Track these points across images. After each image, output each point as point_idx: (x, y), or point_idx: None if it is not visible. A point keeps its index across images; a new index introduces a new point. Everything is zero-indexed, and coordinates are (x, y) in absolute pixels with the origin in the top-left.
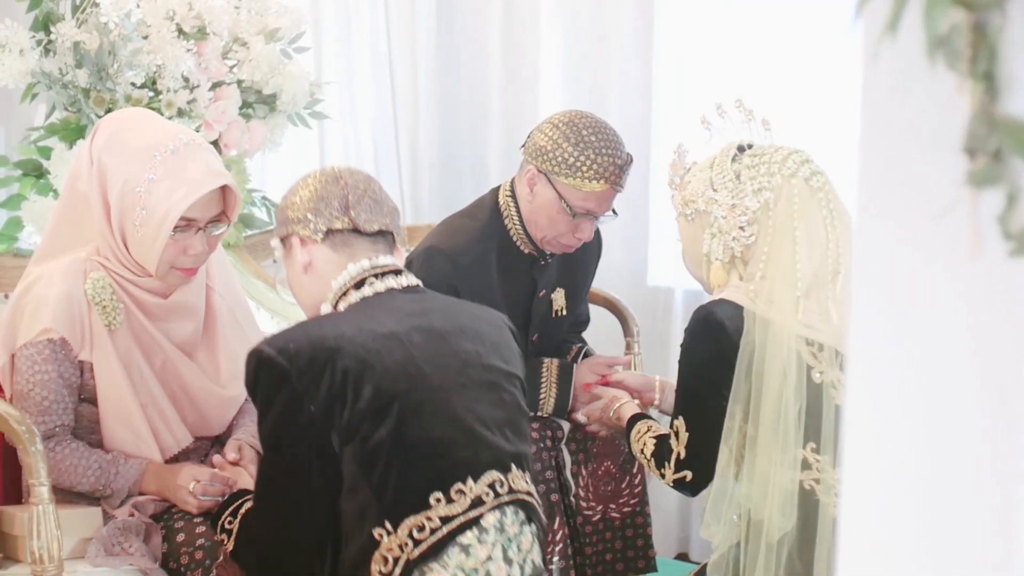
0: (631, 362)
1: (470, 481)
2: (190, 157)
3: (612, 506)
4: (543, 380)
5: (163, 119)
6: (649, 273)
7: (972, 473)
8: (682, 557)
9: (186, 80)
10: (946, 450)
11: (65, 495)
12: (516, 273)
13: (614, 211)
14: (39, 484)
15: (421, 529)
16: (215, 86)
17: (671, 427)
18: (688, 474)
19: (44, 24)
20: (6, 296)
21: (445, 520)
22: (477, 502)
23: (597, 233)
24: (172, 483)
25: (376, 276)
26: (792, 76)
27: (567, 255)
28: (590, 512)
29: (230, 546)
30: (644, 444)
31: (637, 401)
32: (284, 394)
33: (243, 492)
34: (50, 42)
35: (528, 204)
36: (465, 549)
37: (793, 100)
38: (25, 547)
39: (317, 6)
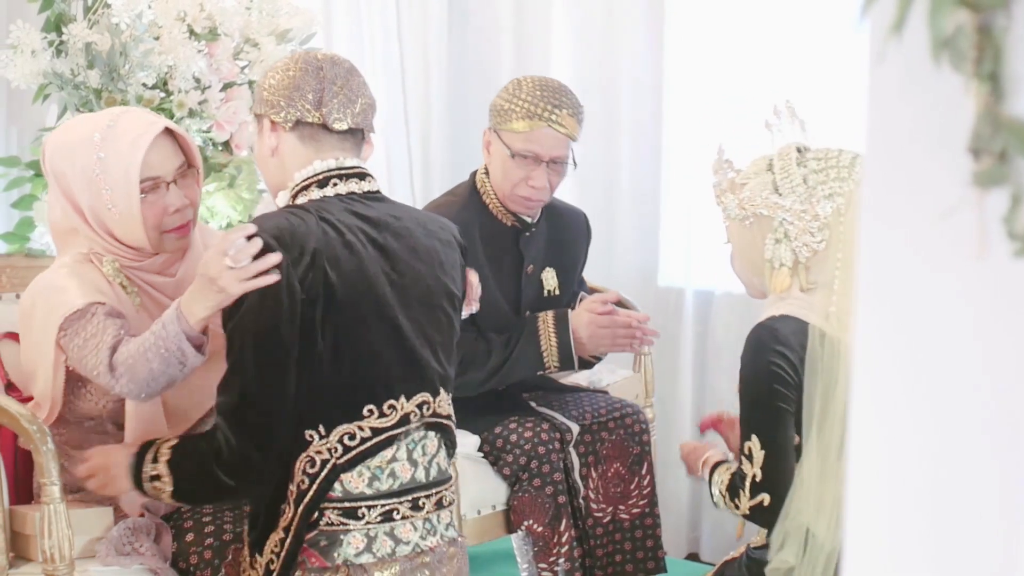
0: (617, 295)
1: (403, 399)
2: (125, 122)
3: (621, 507)
4: (540, 334)
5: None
6: (660, 273)
7: (977, 474)
8: (692, 557)
9: (197, 81)
10: (951, 451)
11: (76, 495)
12: (501, 246)
13: (575, 163)
14: (50, 483)
15: (352, 437)
16: (226, 87)
17: (742, 450)
18: (766, 498)
19: (56, 25)
20: (18, 296)
21: (375, 432)
22: (404, 419)
23: (584, 216)
24: (203, 278)
25: (339, 177)
26: (800, 75)
27: (553, 233)
28: (600, 514)
29: (169, 487)
30: (722, 482)
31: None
32: (283, 282)
33: (147, 445)
34: (62, 43)
35: (491, 167)
36: (387, 444)
37: (801, 99)
38: (37, 546)
39: (328, 7)
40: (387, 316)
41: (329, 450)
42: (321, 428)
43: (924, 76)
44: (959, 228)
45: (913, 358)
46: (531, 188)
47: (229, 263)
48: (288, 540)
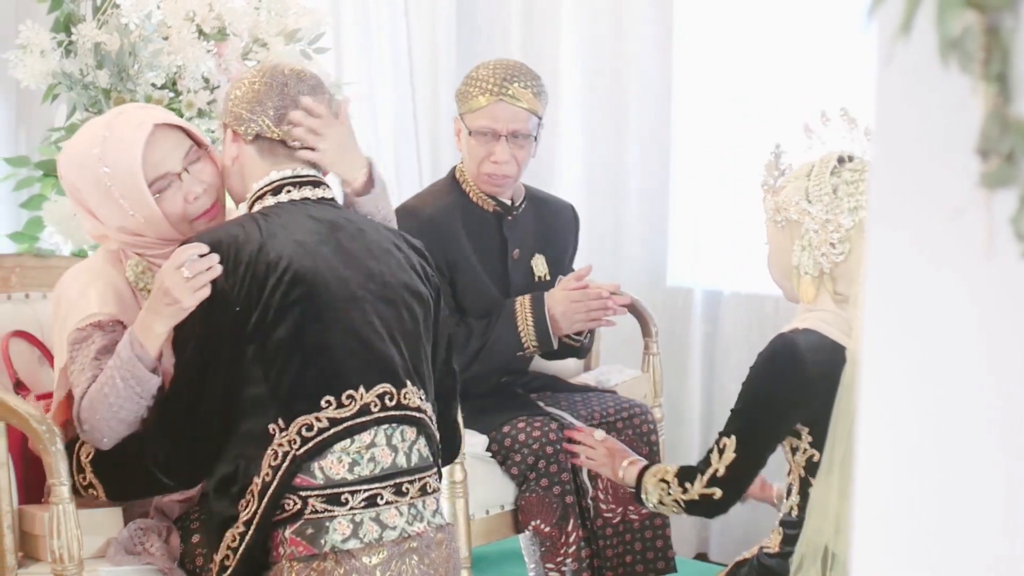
0: (590, 269)
1: (361, 389)
2: (118, 129)
3: (631, 508)
4: (517, 316)
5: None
6: (668, 273)
7: (984, 475)
8: (701, 557)
9: (206, 81)
10: (958, 451)
11: (86, 496)
12: (484, 231)
13: (535, 138)
14: (59, 484)
15: (310, 428)
16: None
17: (718, 444)
18: (718, 492)
19: (65, 25)
20: (27, 296)
21: (333, 422)
22: (364, 410)
23: (571, 208)
24: (158, 291)
25: (293, 185)
26: (809, 76)
27: (539, 221)
28: (610, 514)
29: (104, 494)
30: (664, 474)
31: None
32: (216, 297)
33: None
34: (71, 43)
35: (463, 155)
36: (348, 433)
37: (810, 100)
38: (46, 546)
39: (337, 7)
40: (341, 311)
41: (289, 442)
42: (280, 421)
43: (932, 77)
44: (967, 229)
45: (920, 358)
46: (494, 164)
47: (186, 273)
48: (249, 534)
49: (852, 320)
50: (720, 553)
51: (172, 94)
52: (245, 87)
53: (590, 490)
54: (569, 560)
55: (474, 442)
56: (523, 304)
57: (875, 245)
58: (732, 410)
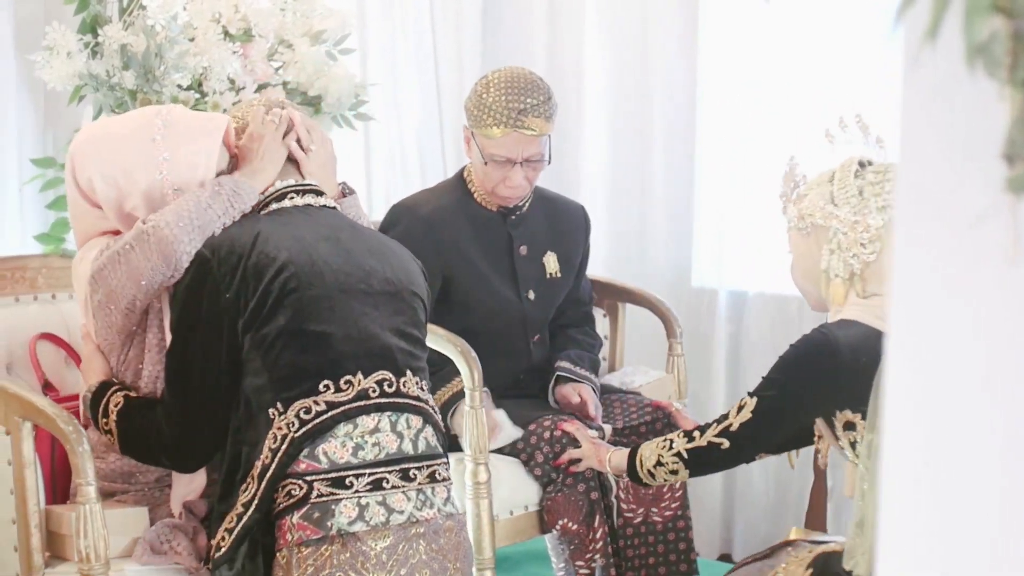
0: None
1: (359, 375)
2: (180, 121)
3: (654, 510)
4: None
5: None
6: (693, 274)
7: (1010, 479)
8: (725, 558)
9: (232, 82)
10: (983, 455)
11: (113, 498)
12: (488, 227)
13: (549, 158)
14: (86, 484)
15: (308, 411)
16: (261, 88)
17: (740, 401)
18: (725, 443)
19: (91, 27)
20: (54, 296)
21: (331, 406)
22: (362, 395)
23: (582, 209)
24: (256, 150)
25: (297, 192)
26: (833, 79)
27: (550, 221)
28: (631, 515)
29: (117, 445)
30: (667, 438)
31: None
32: (207, 283)
33: (104, 387)
34: (97, 44)
35: (472, 162)
36: (352, 420)
37: (835, 101)
38: (73, 546)
39: (363, 8)
40: (339, 301)
41: (287, 425)
42: (279, 405)
43: (958, 82)
44: (992, 234)
45: (947, 363)
46: (509, 188)
47: (274, 120)
48: (247, 515)
49: (884, 313)
50: (743, 554)
51: (198, 95)
52: (245, 108)
53: (613, 488)
54: (598, 556)
55: (512, 433)
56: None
57: (900, 250)
58: (764, 376)
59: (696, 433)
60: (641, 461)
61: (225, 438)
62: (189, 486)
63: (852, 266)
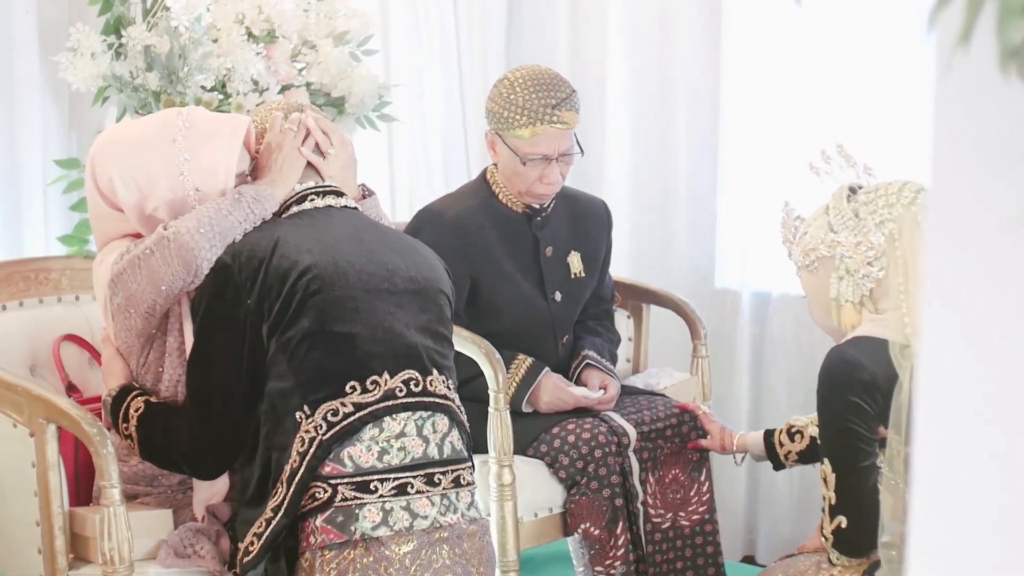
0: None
1: (386, 375)
2: (201, 122)
3: (681, 513)
4: (510, 374)
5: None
6: (717, 275)
7: None
8: (749, 560)
9: (255, 83)
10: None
11: (136, 500)
12: (515, 231)
13: (580, 149)
14: (110, 486)
15: (335, 413)
16: (284, 89)
17: (821, 475)
18: (842, 520)
19: (115, 28)
20: (77, 298)
21: (358, 407)
22: (389, 395)
23: (604, 205)
24: (276, 159)
25: (317, 194)
26: (862, 82)
27: (572, 220)
28: (659, 520)
29: (137, 450)
30: (802, 442)
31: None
32: (228, 289)
33: (125, 391)
34: (121, 46)
35: (499, 165)
36: (378, 424)
37: (862, 107)
38: (97, 548)
39: (386, 9)
40: (364, 301)
41: (315, 428)
42: (306, 408)
43: (991, 87)
44: None
45: (980, 369)
46: (546, 185)
47: (292, 127)
48: (276, 520)
49: (897, 326)
50: (767, 556)
51: (221, 96)
52: (263, 112)
53: (640, 495)
54: (618, 563)
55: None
56: (523, 362)
57: (933, 255)
58: (819, 436)
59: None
60: (779, 439)
61: (244, 445)
62: (211, 489)
63: (863, 287)
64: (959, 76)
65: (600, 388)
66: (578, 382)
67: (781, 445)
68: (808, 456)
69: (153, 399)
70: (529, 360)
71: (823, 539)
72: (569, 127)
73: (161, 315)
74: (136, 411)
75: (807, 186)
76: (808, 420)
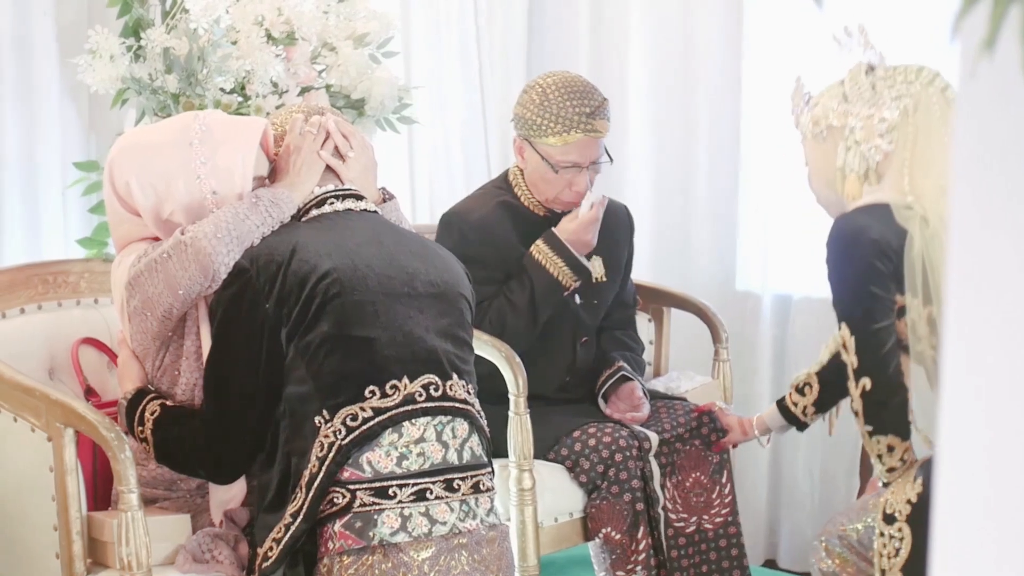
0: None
1: (405, 379)
2: (217, 127)
3: (705, 517)
4: (544, 264)
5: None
6: (737, 278)
7: None
8: (770, 564)
9: (275, 85)
10: None
11: (155, 504)
12: (536, 232)
13: (609, 157)
14: (128, 491)
15: (355, 418)
16: (304, 91)
17: (840, 341)
18: (867, 382)
19: (134, 30)
20: (96, 301)
21: (378, 411)
22: (409, 399)
23: (626, 209)
24: (295, 163)
25: (336, 197)
26: None
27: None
28: (682, 524)
29: (152, 454)
30: (813, 392)
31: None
32: (246, 293)
33: (140, 395)
34: (140, 48)
35: (526, 171)
36: (398, 429)
37: None
38: (114, 553)
39: (407, 11)
40: (383, 305)
41: (334, 432)
42: (325, 413)
43: (1015, 92)
44: None
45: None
46: (574, 193)
47: (313, 130)
48: (295, 525)
49: (897, 196)
50: (789, 559)
51: (241, 98)
52: (284, 115)
53: (661, 500)
54: (639, 568)
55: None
56: (538, 249)
57: (955, 260)
58: (833, 304)
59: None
60: (791, 399)
61: (261, 449)
62: (228, 493)
63: (869, 159)
64: (983, 82)
65: (635, 405)
66: (613, 393)
67: (795, 405)
68: (824, 402)
69: (169, 403)
70: (540, 243)
71: (854, 414)
72: (601, 135)
73: (178, 319)
74: (152, 415)
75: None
76: (807, 372)
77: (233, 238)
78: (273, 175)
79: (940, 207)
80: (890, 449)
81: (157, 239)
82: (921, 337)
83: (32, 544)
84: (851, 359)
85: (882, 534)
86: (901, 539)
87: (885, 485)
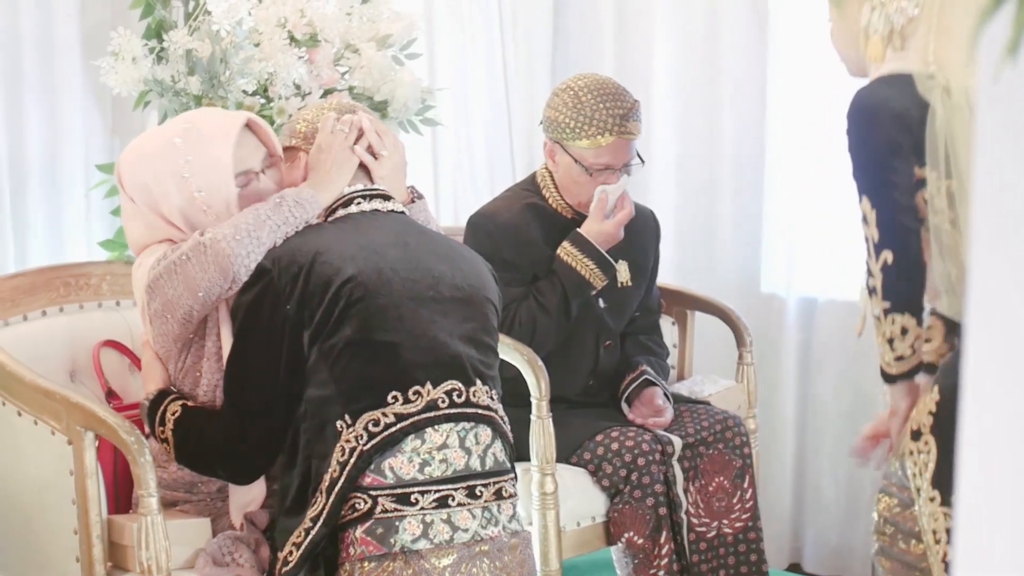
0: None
1: (428, 385)
2: (202, 123)
3: (725, 521)
4: (572, 265)
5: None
6: (762, 280)
7: None
8: (794, 568)
9: (298, 87)
10: None
11: (175, 507)
12: (564, 235)
13: (640, 158)
14: (148, 495)
15: (376, 423)
16: (327, 93)
17: (861, 215)
18: (888, 255)
19: (157, 32)
20: (118, 303)
21: (400, 417)
22: (431, 406)
23: (652, 214)
24: (326, 162)
25: (364, 197)
26: None
27: (623, 229)
28: (703, 529)
29: (173, 454)
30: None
31: None
32: (268, 294)
33: (162, 396)
34: (162, 50)
35: (556, 174)
36: (420, 435)
37: None
38: (134, 557)
39: (431, 12)
40: (408, 309)
41: (356, 437)
42: (347, 418)
43: None
44: None
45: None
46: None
47: (345, 129)
48: (315, 530)
49: (920, 63)
50: (814, 564)
51: (263, 100)
52: (313, 112)
53: (683, 504)
54: (662, 572)
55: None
56: (566, 250)
57: (977, 267)
58: (853, 178)
59: (869, 269)
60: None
61: (280, 450)
62: (248, 496)
63: (893, 21)
64: (1005, 87)
65: (656, 411)
66: (636, 398)
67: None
68: None
69: (190, 403)
70: (566, 244)
71: (870, 293)
72: (634, 137)
73: (199, 321)
74: (173, 415)
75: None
76: None
77: (253, 239)
78: (304, 172)
79: (963, 78)
80: (903, 332)
81: (173, 241)
82: (939, 211)
83: (52, 548)
84: (872, 232)
85: (911, 452)
86: (928, 451)
87: (889, 379)
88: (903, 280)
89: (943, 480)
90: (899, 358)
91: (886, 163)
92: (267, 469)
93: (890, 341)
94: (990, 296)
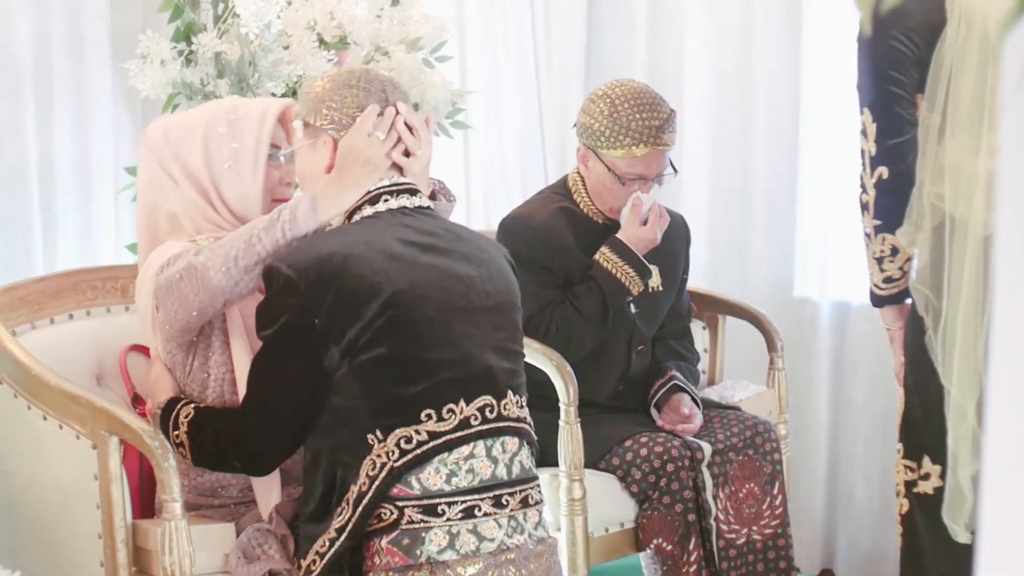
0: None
1: (462, 403)
2: (246, 103)
3: (754, 528)
4: (611, 270)
5: None
6: (795, 284)
7: None
8: (826, 573)
9: None
10: None
11: (198, 511)
12: (595, 239)
13: (674, 168)
14: (171, 500)
15: (408, 441)
16: None
17: (861, 127)
18: (883, 170)
19: (186, 35)
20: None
21: (433, 436)
22: (464, 423)
23: (682, 219)
24: (355, 163)
25: (391, 194)
26: None
27: None
28: (733, 536)
29: (188, 456)
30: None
31: None
32: (293, 304)
33: (172, 403)
34: (191, 52)
35: (589, 180)
36: (447, 447)
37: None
38: (159, 561)
39: (462, 14)
40: (442, 324)
41: (387, 453)
42: (379, 432)
43: None
44: None
45: None
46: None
47: (380, 136)
48: (339, 540)
49: None
50: (846, 569)
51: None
52: (344, 91)
53: (712, 511)
54: None
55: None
56: (605, 256)
57: (1001, 270)
58: (857, 88)
59: (863, 185)
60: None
61: (300, 444)
62: (270, 490)
63: None
64: None
65: (685, 418)
66: (665, 404)
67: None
68: None
69: (201, 405)
70: (604, 249)
71: (863, 209)
72: (669, 148)
73: (197, 329)
74: (186, 417)
75: None
76: None
77: (241, 268)
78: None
79: (985, 5)
80: (893, 251)
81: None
82: (928, 137)
83: (76, 552)
84: (869, 146)
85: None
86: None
87: (877, 301)
88: (896, 198)
89: (908, 432)
90: (888, 279)
91: (887, 73)
92: (284, 459)
93: (879, 260)
94: (1016, 299)
